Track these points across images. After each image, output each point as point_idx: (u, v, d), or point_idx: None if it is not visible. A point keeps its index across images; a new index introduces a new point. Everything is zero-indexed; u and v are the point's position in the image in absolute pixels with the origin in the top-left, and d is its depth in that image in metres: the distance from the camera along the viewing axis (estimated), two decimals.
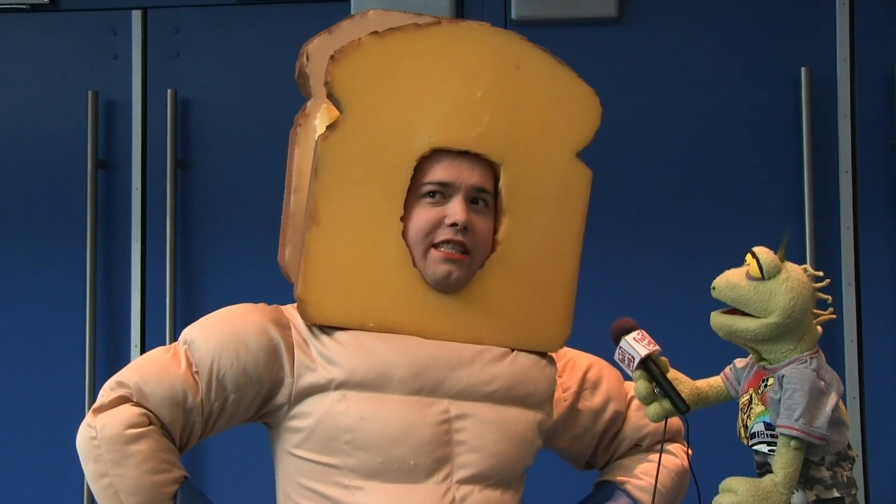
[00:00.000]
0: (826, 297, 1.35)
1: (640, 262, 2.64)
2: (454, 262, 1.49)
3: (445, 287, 1.51)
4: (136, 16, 2.78)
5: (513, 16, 2.67)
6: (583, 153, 1.61)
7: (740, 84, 2.65)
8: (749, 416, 1.35)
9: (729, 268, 1.36)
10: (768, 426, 1.32)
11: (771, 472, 1.31)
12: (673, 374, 1.41)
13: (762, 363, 1.35)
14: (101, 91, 2.76)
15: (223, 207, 2.74)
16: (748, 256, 1.33)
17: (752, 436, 1.34)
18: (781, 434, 1.28)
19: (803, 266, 1.35)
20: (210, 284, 2.73)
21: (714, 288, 1.33)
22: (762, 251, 1.32)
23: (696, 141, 2.66)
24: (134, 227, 2.74)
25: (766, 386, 1.33)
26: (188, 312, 2.69)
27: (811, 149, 2.58)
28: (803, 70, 2.59)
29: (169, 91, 2.73)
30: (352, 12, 2.55)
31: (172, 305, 2.69)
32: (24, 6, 2.80)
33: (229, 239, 2.72)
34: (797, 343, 1.32)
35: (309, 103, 1.61)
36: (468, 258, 1.50)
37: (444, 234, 1.49)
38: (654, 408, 1.40)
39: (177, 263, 2.71)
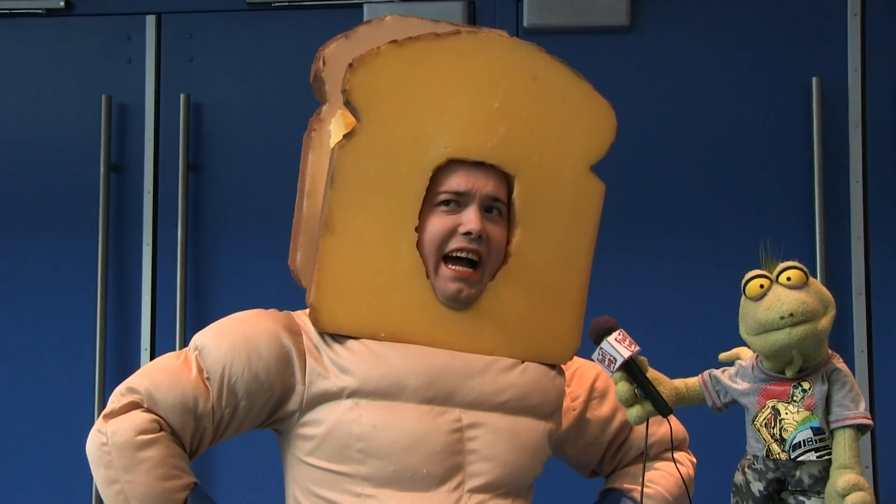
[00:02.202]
0: None
1: (649, 271, 2.64)
2: (464, 279, 1.49)
3: (456, 304, 1.51)
4: (151, 21, 2.79)
5: (524, 24, 2.68)
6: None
7: (751, 93, 2.65)
8: (783, 428, 1.33)
9: (739, 276, 1.36)
10: (817, 431, 1.31)
11: (798, 485, 1.31)
12: (652, 374, 1.40)
13: (801, 372, 1.34)
14: (115, 95, 2.77)
15: (235, 211, 2.75)
16: (762, 281, 1.32)
17: (796, 446, 1.32)
18: (856, 425, 1.29)
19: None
20: (221, 288, 2.74)
21: (792, 314, 1.29)
22: (792, 263, 1.33)
23: (707, 150, 2.66)
24: (146, 230, 2.75)
25: (804, 391, 1.32)
26: (199, 316, 2.70)
27: (822, 158, 2.58)
28: (814, 80, 2.59)
29: (182, 95, 2.74)
30: (364, 18, 2.58)
31: (183, 308, 2.70)
32: (39, 11, 2.82)
33: (240, 243, 2.73)
34: None
35: (324, 108, 1.60)
36: (478, 274, 1.50)
37: (457, 243, 1.49)
38: (636, 410, 1.38)
39: (188, 267, 2.72)
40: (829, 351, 1.35)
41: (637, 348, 1.38)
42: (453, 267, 1.49)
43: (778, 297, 1.31)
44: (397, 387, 1.46)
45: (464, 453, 1.46)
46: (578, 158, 1.57)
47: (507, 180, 1.54)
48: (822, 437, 1.31)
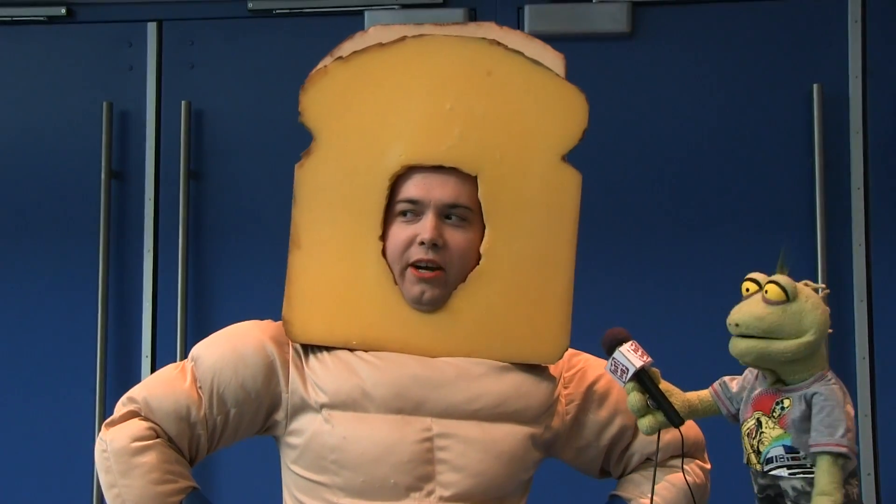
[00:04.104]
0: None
1: (650, 277, 2.64)
2: (426, 281, 1.50)
3: (421, 306, 1.52)
4: (152, 28, 2.80)
5: (526, 30, 2.68)
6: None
7: (752, 100, 2.65)
8: (761, 440, 1.33)
9: (740, 284, 1.36)
10: (789, 449, 1.30)
11: (786, 497, 1.31)
12: (664, 386, 1.40)
13: (776, 385, 1.33)
14: (116, 102, 2.78)
15: (235, 218, 2.75)
16: (749, 285, 1.32)
17: (769, 461, 1.32)
18: (827, 453, 1.26)
19: (803, 281, 1.33)
20: (221, 295, 2.74)
21: (737, 325, 1.30)
22: (779, 277, 1.31)
23: (708, 156, 2.66)
24: (146, 237, 2.75)
25: (782, 408, 1.32)
26: (199, 323, 2.70)
27: (823, 165, 2.58)
28: (815, 86, 2.59)
29: (183, 102, 2.75)
30: (366, 26, 2.58)
31: (184, 315, 2.70)
32: (41, 18, 2.83)
33: (241, 250, 2.73)
34: (819, 359, 1.32)
35: None
36: (441, 275, 1.50)
37: (416, 253, 1.49)
38: (648, 420, 1.39)
39: (188, 274, 2.72)
40: (824, 370, 1.33)
41: (650, 359, 1.38)
42: (415, 269, 1.50)
43: (743, 304, 1.31)
44: (365, 398, 1.48)
45: (434, 463, 1.47)
46: (547, 149, 1.53)
47: (475, 181, 1.52)
48: (796, 455, 1.30)
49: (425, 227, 1.49)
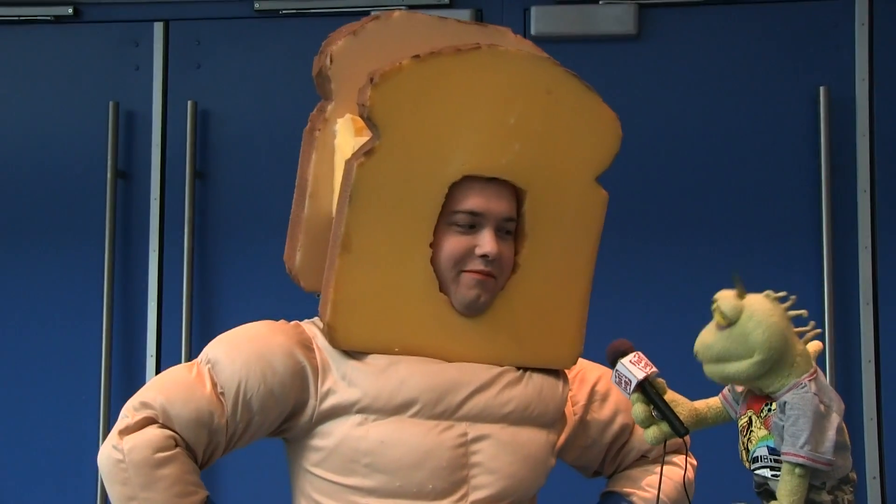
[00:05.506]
0: (800, 312, 1.32)
1: (655, 279, 2.64)
2: (483, 284, 1.50)
3: (473, 310, 1.52)
4: (158, 28, 2.80)
5: (532, 32, 2.68)
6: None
7: (758, 102, 2.65)
8: (750, 439, 1.34)
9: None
10: (772, 451, 1.31)
11: (773, 496, 1.30)
12: (671, 396, 1.40)
13: (763, 392, 1.34)
14: (122, 102, 2.78)
15: (241, 218, 2.75)
16: (713, 307, 1.33)
17: (755, 460, 1.33)
18: (787, 461, 1.27)
19: (764, 293, 1.32)
20: (227, 295, 2.74)
21: (696, 353, 1.32)
22: (721, 296, 1.31)
23: (714, 159, 2.66)
24: (152, 237, 2.76)
25: (769, 410, 1.32)
26: (205, 323, 2.70)
27: (829, 167, 2.57)
28: (822, 89, 2.59)
29: (189, 102, 2.75)
30: None
31: (189, 315, 2.70)
32: (47, 18, 2.83)
33: (246, 249, 2.73)
34: (791, 368, 1.30)
35: (329, 107, 1.58)
36: (494, 281, 1.52)
37: (473, 264, 1.49)
38: (653, 431, 1.39)
39: (194, 273, 2.73)
40: (804, 377, 1.30)
41: (653, 370, 1.38)
42: (472, 273, 1.49)
43: (702, 331, 1.33)
44: (407, 404, 1.47)
45: (468, 467, 1.47)
46: (585, 170, 1.57)
47: (516, 194, 1.54)
48: (778, 457, 1.30)
49: (487, 240, 1.48)
